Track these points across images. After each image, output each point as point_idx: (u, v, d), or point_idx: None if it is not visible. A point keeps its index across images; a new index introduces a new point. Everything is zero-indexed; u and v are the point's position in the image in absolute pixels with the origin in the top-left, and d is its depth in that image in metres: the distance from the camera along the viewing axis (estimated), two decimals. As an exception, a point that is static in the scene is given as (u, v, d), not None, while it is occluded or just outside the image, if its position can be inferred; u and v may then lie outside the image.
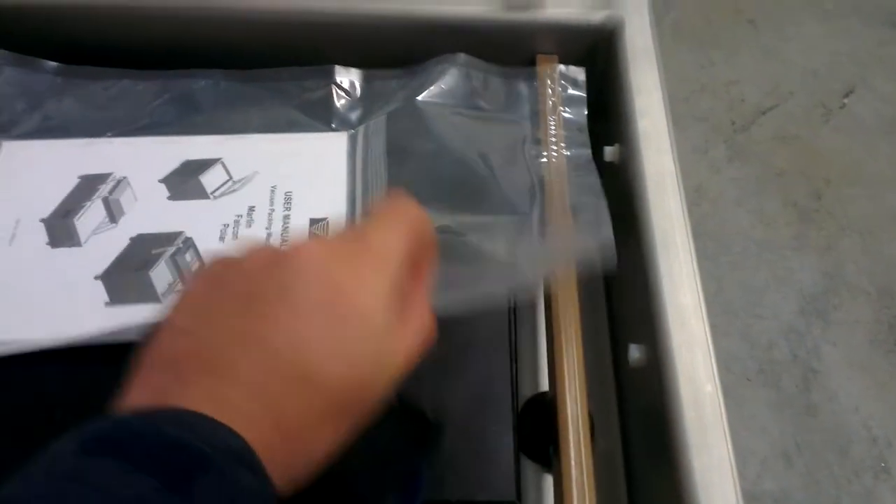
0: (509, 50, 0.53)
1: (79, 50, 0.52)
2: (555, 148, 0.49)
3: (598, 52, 0.52)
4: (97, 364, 0.35)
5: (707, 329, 0.39)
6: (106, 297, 0.41)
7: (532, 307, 0.49)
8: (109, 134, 0.49)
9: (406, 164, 0.47)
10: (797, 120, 1.43)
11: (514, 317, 0.44)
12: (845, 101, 1.45)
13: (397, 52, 0.53)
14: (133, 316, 0.39)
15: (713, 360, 0.37)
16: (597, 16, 0.51)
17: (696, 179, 1.36)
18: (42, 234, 0.43)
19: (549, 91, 0.52)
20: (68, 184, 0.45)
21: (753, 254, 1.29)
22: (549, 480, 0.42)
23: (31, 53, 0.52)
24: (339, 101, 0.51)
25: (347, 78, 0.52)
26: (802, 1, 1.58)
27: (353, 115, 0.51)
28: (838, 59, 1.49)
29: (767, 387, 1.17)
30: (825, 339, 1.21)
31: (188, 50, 0.53)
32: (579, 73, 0.52)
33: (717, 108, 1.46)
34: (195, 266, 0.42)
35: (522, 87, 0.52)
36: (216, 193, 0.46)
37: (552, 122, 0.50)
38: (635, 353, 0.41)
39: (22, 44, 0.52)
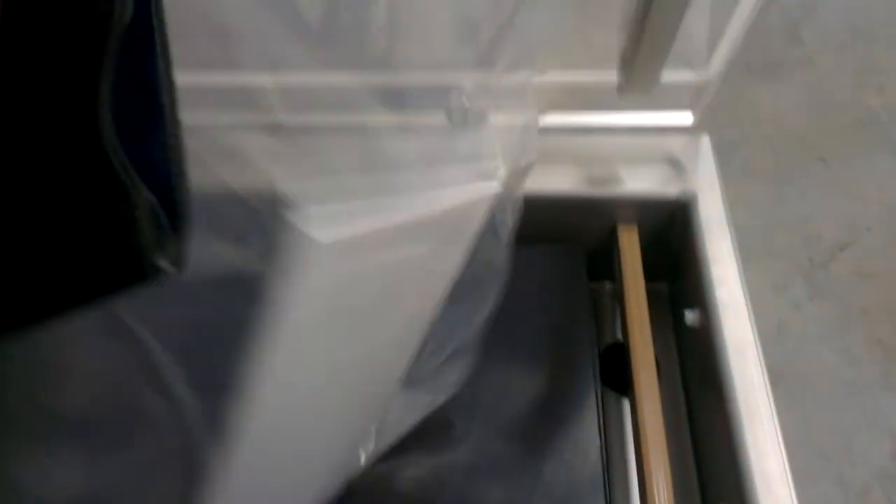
0: (592, 220, 0.58)
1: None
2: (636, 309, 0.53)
3: (674, 221, 0.57)
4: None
5: (793, 494, 0.41)
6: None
7: (624, 462, 0.52)
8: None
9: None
10: (876, 256, 1.43)
11: (608, 475, 0.46)
12: (925, 234, 1.44)
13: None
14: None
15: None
16: (672, 190, 0.56)
17: (777, 317, 1.36)
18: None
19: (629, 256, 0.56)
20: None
21: (841, 394, 1.26)
22: None
23: None
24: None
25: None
26: (871, 137, 1.61)
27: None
28: (915, 193, 1.50)
29: (866, 533, 1.13)
30: (925, 482, 1.17)
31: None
32: None
33: (794, 245, 1.47)
34: None
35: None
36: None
37: (632, 283, 0.54)
38: (726, 516, 0.43)
39: None
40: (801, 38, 1.83)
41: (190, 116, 0.27)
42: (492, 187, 0.42)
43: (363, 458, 0.45)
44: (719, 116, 1.71)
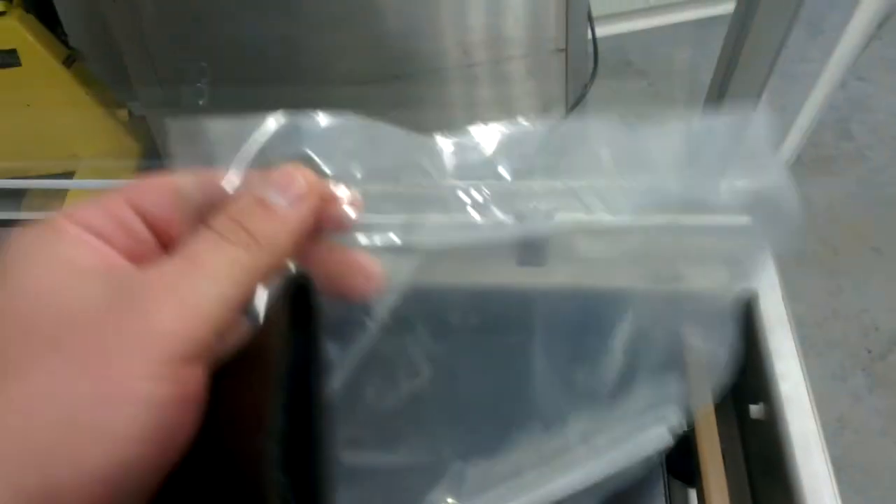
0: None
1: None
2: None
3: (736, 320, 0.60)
4: None
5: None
6: None
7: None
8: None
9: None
10: (937, 347, 1.42)
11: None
12: None
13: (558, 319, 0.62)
14: None
15: None
16: (734, 288, 0.59)
17: (838, 409, 1.35)
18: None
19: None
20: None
21: (904, 487, 1.25)
22: None
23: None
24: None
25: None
26: (928, 228, 1.62)
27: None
28: (972, 285, 1.50)
29: None
30: None
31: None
32: None
33: (851, 336, 1.47)
34: None
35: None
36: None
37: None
38: None
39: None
40: (850, 132, 1.87)
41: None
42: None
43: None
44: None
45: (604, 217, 0.66)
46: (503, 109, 1.34)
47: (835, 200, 1.70)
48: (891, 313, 1.49)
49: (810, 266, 1.58)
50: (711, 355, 0.46)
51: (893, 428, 1.33)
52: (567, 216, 0.68)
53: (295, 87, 1.07)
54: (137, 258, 0.25)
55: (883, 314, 1.49)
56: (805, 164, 1.79)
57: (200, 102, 0.82)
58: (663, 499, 0.52)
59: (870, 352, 1.43)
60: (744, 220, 0.65)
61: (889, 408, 1.35)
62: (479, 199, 0.53)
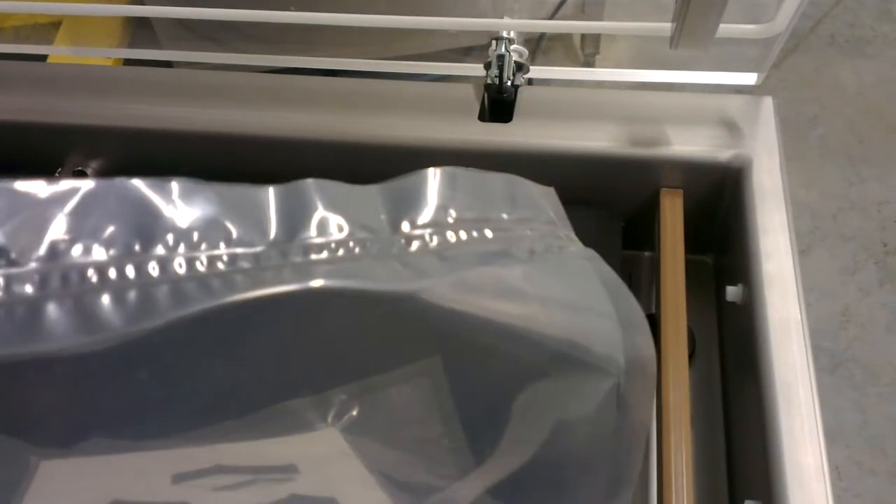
0: (633, 183, 0.54)
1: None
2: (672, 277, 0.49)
3: (724, 188, 0.52)
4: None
5: (829, 493, 0.36)
6: None
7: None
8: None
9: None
10: (958, 244, 1.34)
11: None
12: None
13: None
14: None
15: (835, 531, 0.35)
16: (724, 154, 0.51)
17: (843, 302, 1.29)
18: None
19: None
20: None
21: (908, 385, 1.19)
22: None
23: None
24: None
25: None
26: (964, 119, 1.50)
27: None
28: None
29: (921, 535, 1.07)
30: None
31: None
32: None
33: (868, 228, 1.38)
34: None
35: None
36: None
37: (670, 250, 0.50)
38: (750, 512, 0.39)
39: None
40: (892, 13, 1.71)
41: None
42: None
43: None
44: (797, 91, 1.62)
45: (584, 69, 0.57)
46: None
47: (866, 85, 1.58)
48: (914, 206, 1.40)
49: (831, 152, 1.47)
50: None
51: (901, 325, 1.26)
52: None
53: None
54: None
55: (905, 207, 1.40)
56: (838, 45, 1.65)
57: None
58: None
59: (885, 245, 1.35)
60: (745, 76, 0.57)
61: (899, 304, 1.28)
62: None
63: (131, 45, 1.21)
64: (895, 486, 1.10)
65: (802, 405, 0.39)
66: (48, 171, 0.59)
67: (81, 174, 0.59)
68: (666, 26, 0.50)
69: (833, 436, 1.13)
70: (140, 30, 1.23)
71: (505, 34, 0.56)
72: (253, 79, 0.59)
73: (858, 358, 1.23)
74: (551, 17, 1.18)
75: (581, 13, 1.26)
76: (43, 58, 0.77)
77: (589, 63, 1.37)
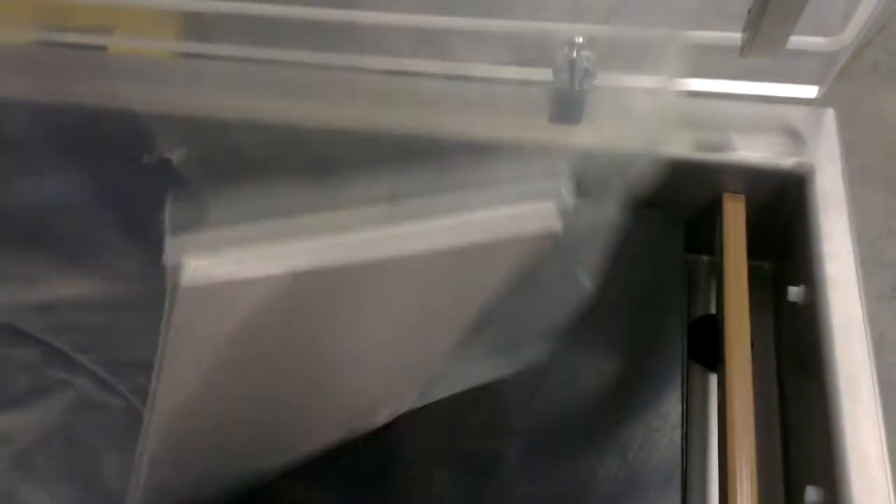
0: (697, 187, 0.56)
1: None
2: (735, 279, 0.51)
3: (787, 195, 0.54)
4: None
5: (889, 478, 0.38)
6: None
7: (704, 437, 0.50)
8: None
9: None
10: None
11: (686, 452, 0.45)
12: None
13: (589, 182, 0.57)
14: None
15: (896, 512, 0.37)
16: (788, 161, 0.53)
17: (880, 327, 1.29)
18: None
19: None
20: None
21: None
22: None
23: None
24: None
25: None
26: None
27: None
28: None
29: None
30: None
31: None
32: None
33: (916, 256, 1.39)
34: None
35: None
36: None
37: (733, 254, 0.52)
38: (812, 496, 0.40)
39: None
40: (936, 43, 1.72)
41: None
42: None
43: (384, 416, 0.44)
44: (839, 118, 1.63)
45: (651, 76, 0.60)
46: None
47: (909, 114, 1.59)
48: (952, 236, 1.40)
49: (873, 180, 1.48)
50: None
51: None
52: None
53: None
54: None
55: (944, 237, 1.40)
56: (880, 73, 1.66)
57: None
58: (680, 379, 0.48)
59: (923, 274, 1.36)
60: (806, 89, 0.58)
61: (936, 331, 1.28)
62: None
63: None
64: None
65: (864, 395, 0.41)
66: (134, 157, 0.62)
67: (167, 161, 0.62)
68: (735, 35, 0.53)
69: (867, 459, 1.14)
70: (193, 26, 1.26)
71: (577, 39, 0.58)
72: (336, 75, 0.61)
73: (894, 383, 1.23)
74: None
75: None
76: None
77: (648, 70, 1.38)
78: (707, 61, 0.60)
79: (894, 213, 1.44)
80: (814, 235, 0.49)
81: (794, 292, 0.49)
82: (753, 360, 0.52)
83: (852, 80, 1.65)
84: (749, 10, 0.50)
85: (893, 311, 1.31)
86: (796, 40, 0.52)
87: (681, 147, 0.54)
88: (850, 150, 1.60)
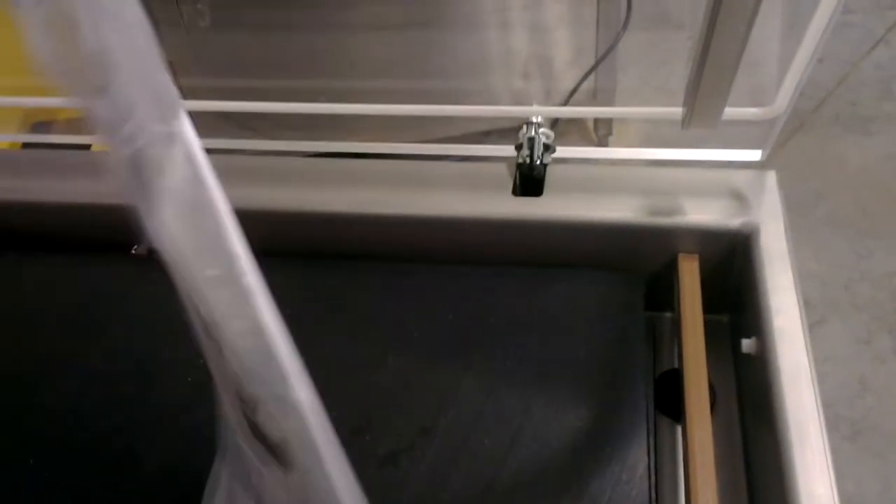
0: (653, 249, 0.59)
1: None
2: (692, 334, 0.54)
3: (736, 252, 0.58)
4: None
5: (841, 521, 0.41)
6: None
7: (674, 487, 0.52)
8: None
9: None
10: (967, 313, 1.38)
11: (657, 502, 0.47)
12: None
13: (554, 249, 0.60)
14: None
15: (847, 550, 0.39)
16: (735, 221, 0.57)
17: (859, 371, 1.32)
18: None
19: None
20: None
21: (923, 451, 1.21)
22: None
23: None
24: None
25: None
26: (968, 193, 1.56)
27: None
28: None
29: None
30: None
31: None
32: None
33: (879, 299, 1.43)
34: None
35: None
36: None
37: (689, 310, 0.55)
38: (771, 538, 0.43)
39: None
40: (892, 92, 1.79)
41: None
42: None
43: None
44: (804, 169, 1.69)
45: (604, 148, 0.64)
46: (536, 59, 1.30)
47: (869, 161, 1.65)
48: (921, 277, 1.45)
49: (840, 227, 1.53)
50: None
51: (916, 392, 1.29)
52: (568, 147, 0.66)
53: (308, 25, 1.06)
54: None
55: (914, 277, 1.45)
56: (842, 123, 1.73)
57: (201, 24, 0.81)
58: (646, 432, 0.51)
59: (897, 315, 1.39)
60: (749, 153, 0.63)
61: (912, 371, 1.31)
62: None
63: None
64: (919, 551, 1.11)
65: (813, 440, 0.44)
66: (124, 249, 0.66)
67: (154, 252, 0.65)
68: (677, 110, 0.57)
69: (856, 502, 1.15)
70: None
71: (534, 119, 0.62)
72: (298, 163, 0.65)
73: (877, 425, 1.25)
74: (565, 104, 1.26)
75: (593, 99, 1.35)
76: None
77: (603, 144, 1.45)
78: (669, 133, 0.64)
79: (864, 257, 1.48)
80: (761, 290, 0.52)
81: (747, 344, 0.53)
82: (714, 409, 0.55)
83: (816, 131, 1.72)
84: (686, 86, 0.55)
85: (872, 353, 1.34)
86: (734, 111, 0.57)
87: (637, 213, 0.58)
88: (817, 199, 1.66)
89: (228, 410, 0.32)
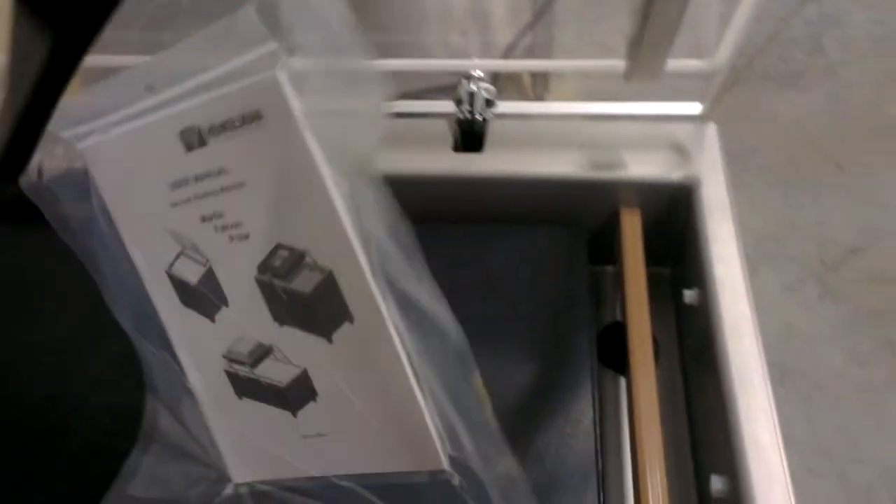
0: (595, 204, 0.59)
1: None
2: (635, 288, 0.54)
3: (678, 205, 0.58)
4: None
5: (785, 464, 0.42)
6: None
7: (618, 437, 0.53)
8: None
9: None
10: (890, 261, 1.43)
11: (602, 454, 0.48)
12: (940, 241, 1.44)
13: (496, 205, 0.60)
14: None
15: (791, 495, 0.40)
16: (676, 174, 0.57)
17: (787, 317, 1.36)
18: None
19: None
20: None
21: (849, 394, 1.27)
22: None
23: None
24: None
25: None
26: (888, 145, 1.61)
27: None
28: (930, 200, 1.50)
29: (871, 536, 1.13)
30: (933, 485, 1.17)
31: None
32: None
33: (808, 248, 1.47)
34: None
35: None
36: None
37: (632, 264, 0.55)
38: (717, 484, 0.44)
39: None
40: (823, 48, 1.83)
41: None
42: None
43: None
44: (738, 123, 1.72)
45: (544, 103, 0.63)
46: (473, 14, 1.28)
47: (801, 116, 1.68)
48: (847, 227, 1.49)
49: (772, 180, 1.56)
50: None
51: (841, 337, 1.34)
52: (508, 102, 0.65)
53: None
54: None
55: (840, 228, 1.49)
56: (774, 79, 1.76)
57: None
58: (590, 385, 0.51)
59: (824, 263, 1.44)
60: (690, 105, 0.63)
61: (838, 316, 1.36)
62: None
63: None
64: (842, 488, 1.16)
65: (756, 387, 0.44)
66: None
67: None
68: (619, 63, 0.57)
69: (785, 443, 1.20)
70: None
71: (475, 73, 0.61)
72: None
73: (804, 370, 1.30)
74: (504, 58, 1.25)
75: (531, 54, 1.34)
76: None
77: (540, 99, 1.44)
78: (607, 88, 0.64)
79: (794, 208, 1.52)
80: (703, 241, 0.53)
81: (689, 295, 0.53)
82: (658, 360, 0.55)
83: (748, 86, 1.75)
84: (629, 39, 0.54)
85: (799, 300, 1.39)
86: (676, 63, 0.56)
87: (579, 167, 0.58)
88: (751, 153, 1.69)
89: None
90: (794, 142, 1.63)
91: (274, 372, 0.42)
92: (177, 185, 0.41)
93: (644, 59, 0.54)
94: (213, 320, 0.43)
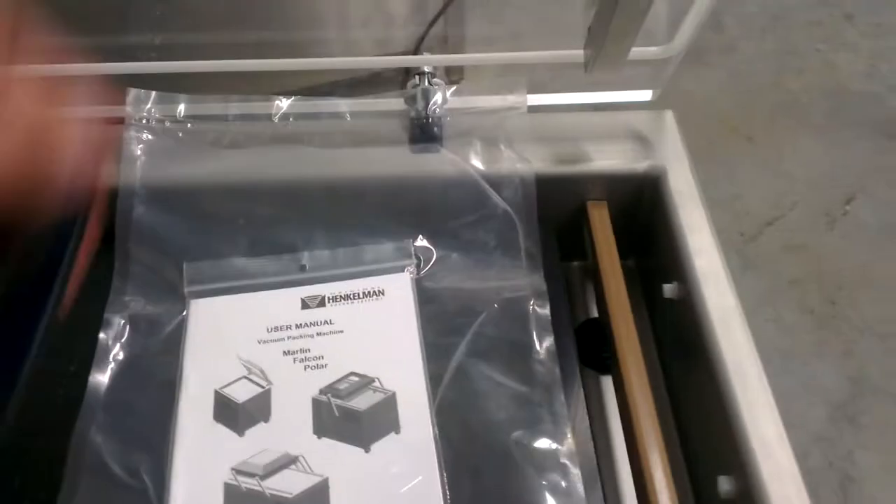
0: (562, 197, 0.58)
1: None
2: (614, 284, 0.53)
3: (643, 196, 0.57)
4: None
5: (792, 458, 0.41)
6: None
7: (608, 443, 0.52)
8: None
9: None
10: (803, 229, 1.49)
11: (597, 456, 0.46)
12: (847, 207, 1.51)
13: (465, 202, 0.57)
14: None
15: (804, 489, 0.39)
16: (641, 165, 0.56)
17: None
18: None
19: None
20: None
21: (776, 362, 1.31)
22: None
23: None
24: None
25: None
26: (794, 118, 1.67)
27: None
28: (836, 169, 1.57)
29: (807, 497, 1.17)
30: (858, 444, 1.22)
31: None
32: None
33: (725, 221, 1.51)
34: None
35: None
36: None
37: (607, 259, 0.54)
38: (725, 485, 0.43)
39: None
40: (722, 25, 1.88)
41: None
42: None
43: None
44: (658, 103, 1.75)
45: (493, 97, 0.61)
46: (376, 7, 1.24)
47: (710, 92, 1.72)
48: (762, 199, 1.54)
49: (695, 161, 1.60)
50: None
51: (764, 307, 1.38)
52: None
53: None
54: None
55: (754, 200, 1.54)
56: (683, 59, 1.79)
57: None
58: (577, 387, 0.49)
59: (742, 235, 1.48)
60: (641, 93, 0.62)
61: (759, 287, 1.41)
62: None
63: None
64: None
65: (754, 380, 0.44)
66: None
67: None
68: (578, 53, 0.55)
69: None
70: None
71: (426, 69, 0.58)
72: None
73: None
74: (416, 50, 1.22)
75: (445, 45, 1.31)
76: None
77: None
78: (550, 77, 0.62)
79: (710, 182, 1.56)
80: (677, 232, 0.52)
81: (669, 289, 0.52)
82: (640, 357, 0.54)
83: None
84: (588, 29, 0.52)
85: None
86: (635, 51, 0.55)
87: (542, 162, 0.56)
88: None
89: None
90: (705, 118, 1.67)
91: (286, 484, 0.43)
92: (275, 329, 0.50)
93: (608, 49, 0.52)
94: (241, 434, 0.45)
